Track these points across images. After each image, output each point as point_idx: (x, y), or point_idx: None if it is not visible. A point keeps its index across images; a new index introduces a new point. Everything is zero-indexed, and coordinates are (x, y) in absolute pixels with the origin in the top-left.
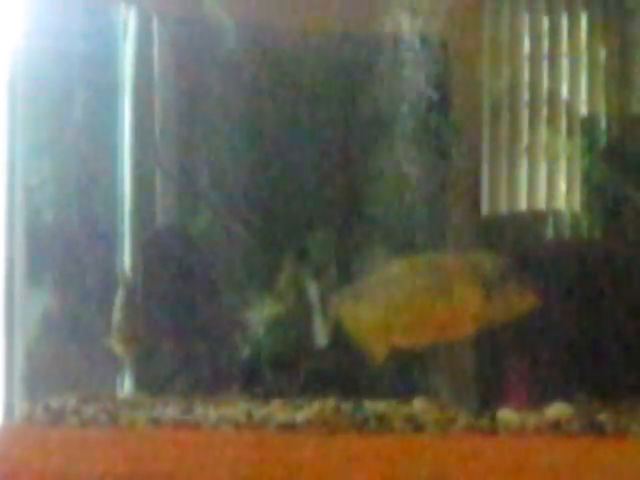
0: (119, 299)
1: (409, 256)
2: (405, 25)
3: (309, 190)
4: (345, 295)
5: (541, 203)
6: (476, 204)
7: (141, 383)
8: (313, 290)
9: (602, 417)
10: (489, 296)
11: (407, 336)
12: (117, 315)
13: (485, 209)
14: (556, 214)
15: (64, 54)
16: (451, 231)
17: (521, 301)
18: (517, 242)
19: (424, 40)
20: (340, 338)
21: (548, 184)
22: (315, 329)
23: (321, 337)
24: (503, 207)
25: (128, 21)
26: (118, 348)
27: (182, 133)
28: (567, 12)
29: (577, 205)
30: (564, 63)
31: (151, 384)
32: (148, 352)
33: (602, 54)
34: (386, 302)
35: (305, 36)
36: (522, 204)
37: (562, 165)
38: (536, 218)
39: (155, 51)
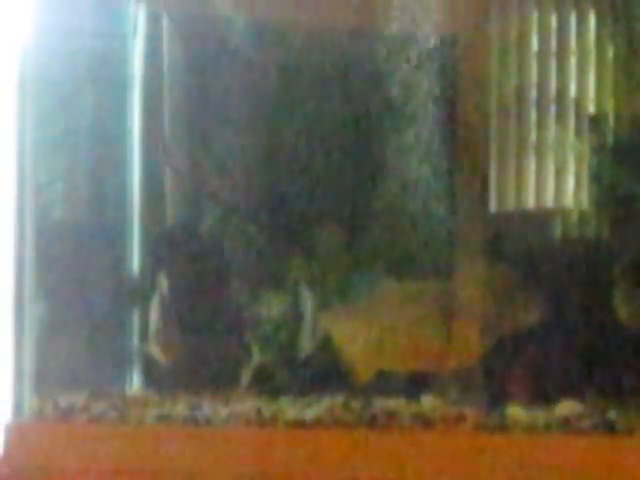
0: (155, 306)
1: (407, 282)
2: (415, 23)
3: (318, 189)
4: (339, 312)
5: (549, 201)
6: (484, 202)
7: (150, 380)
8: (308, 301)
9: (612, 415)
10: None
11: (397, 363)
12: (155, 322)
13: (493, 207)
14: (564, 212)
15: (74, 52)
16: (459, 229)
17: (528, 314)
18: (525, 240)
19: (433, 38)
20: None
21: (556, 182)
22: (301, 340)
23: (305, 348)
24: (511, 205)
25: (137, 19)
26: (159, 354)
27: (191, 131)
28: (576, 10)
29: (586, 203)
30: (572, 61)
31: (161, 381)
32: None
33: (610, 52)
34: (379, 327)
35: (314, 34)
36: (530, 202)
37: (570, 163)
38: (544, 216)
39: (164, 49)
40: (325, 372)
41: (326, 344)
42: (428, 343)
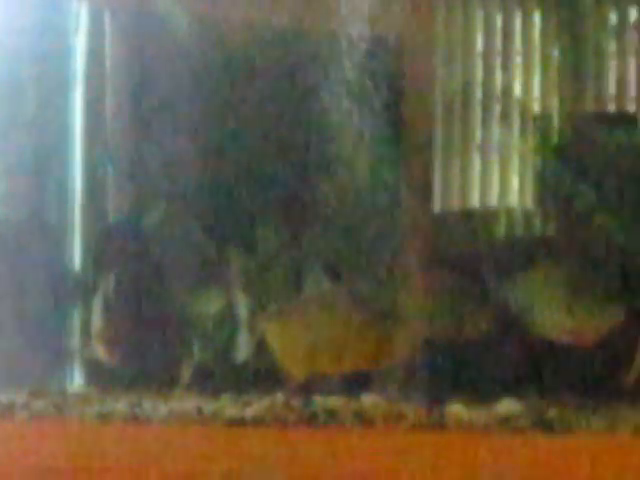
0: (97, 306)
1: (342, 284)
2: (359, 23)
3: (260, 185)
4: (273, 314)
5: (493, 200)
6: (428, 201)
7: (91, 378)
8: (242, 304)
9: (551, 414)
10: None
11: (330, 365)
12: (97, 322)
13: (437, 206)
14: (508, 211)
15: (16, 49)
16: (403, 228)
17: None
18: (469, 238)
19: (377, 38)
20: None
21: (501, 181)
22: (237, 343)
23: (241, 352)
24: (455, 204)
25: (80, 15)
26: (101, 352)
27: (134, 127)
28: (520, 10)
29: (529, 201)
30: (517, 61)
31: (101, 379)
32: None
33: (555, 52)
34: (313, 328)
35: (256, 31)
36: (474, 201)
37: (515, 162)
38: (488, 215)
39: (107, 45)
40: (263, 371)
41: (262, 344)
42: (361, 344)
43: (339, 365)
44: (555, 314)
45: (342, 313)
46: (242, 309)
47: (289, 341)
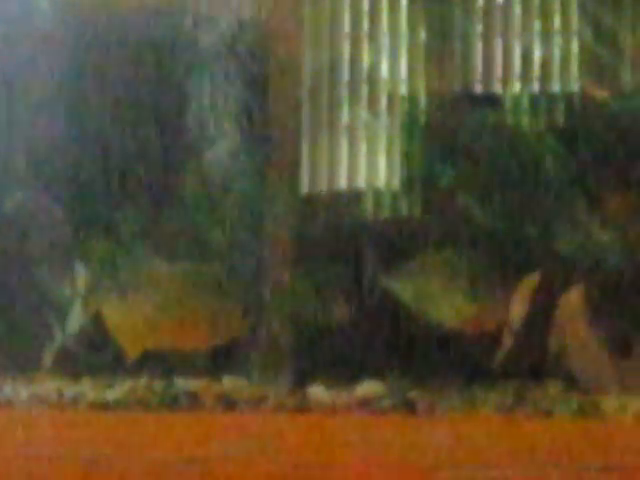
0: None
1: (177, 263)
2: (222, 5)
3: (121, 169)
4: (109, 289)
5: (361, 182)
6: (296, 183)
7: None
8: (81, 278)
9: (413, 395)
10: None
11: (163, 340)
12: None
13: (305, 188)
14: (376, 192)
15: None
16: (271, 211)
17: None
18: (336, 220)
19: (240, 20)
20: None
21: (368, 163)
22: (71, 316)
23: (71, 325)
24: (323, 186)
25: None
26: None
27: None
28: None
29: (397, 184)
30: (384, 43)
31: None
32: None
33: (422, 34)
34: (147, 304)
35: (119, 12)
36: (342, 183)
37: (382, 144)
38: (356, 196)
39: None
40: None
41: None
42: (194, 321)
43: (171, 342)
44: (454, 301)
45: (177, 291)
46: (80, 282)
47: (124, 317)
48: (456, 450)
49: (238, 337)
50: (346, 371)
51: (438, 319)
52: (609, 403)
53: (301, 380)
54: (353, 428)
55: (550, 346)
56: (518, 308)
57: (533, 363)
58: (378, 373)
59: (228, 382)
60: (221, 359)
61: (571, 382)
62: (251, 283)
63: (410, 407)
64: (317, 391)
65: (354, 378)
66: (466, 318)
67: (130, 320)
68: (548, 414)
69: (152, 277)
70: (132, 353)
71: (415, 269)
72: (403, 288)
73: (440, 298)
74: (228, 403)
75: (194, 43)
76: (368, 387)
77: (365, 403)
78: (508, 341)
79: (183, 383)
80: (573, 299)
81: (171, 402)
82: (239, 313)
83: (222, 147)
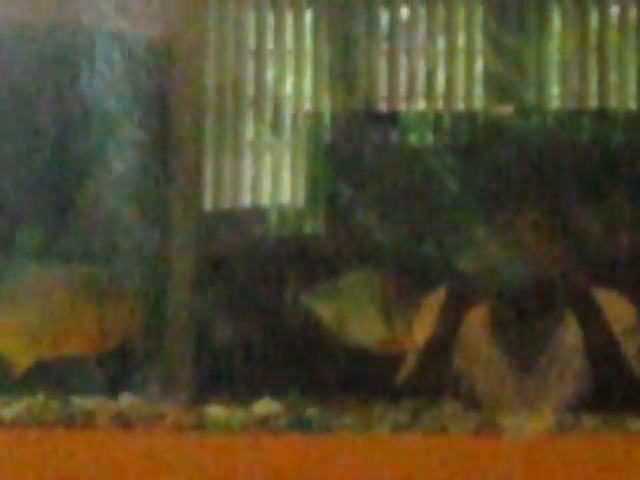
0: None
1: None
2: (122, 22)
3: (21, 186)
4: None
5: (265, 199)
6: (198, 201)
7: None
8: None
9: (310, 413)
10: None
11: (51, 350)
12: None
13: (208, 205)
14: (280, 209)
15: None
16: (172, 228)
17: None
18: (239, 237)
19: (144, 37)
20: None
21: (272, 180)
22: None
23: None
24: (227, 203)
25: None
26: None
27: None
28: (292, 10)
29: (301, 201)
30: (289, 60)
31: None
32: None
33: (327, 52)
34: (32, 313)
35: (12, 26)
36: (246, 200)
37: (286, 161)
38: (259, 214)
39: None
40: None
41: None
42: (80, 327)
43: (60, 349)
44: (369, 324)
45: (58, 297)
46: None
47: (6, 330)
48: (350, 469)
49: (134, 350)
50: (246, 389)
51: (355, 340)
52: (508, 421)
53: (199, 398)
54: (248, 448)
55: (455, 364)
56: (422, 326)
57: (436, 382)
58: (279, 392)
59: (124, 400)
60: (119, 377)
61: (473, 400)
62: (153, 299)
63: (306, 426)
64: (215, 410)
65: (253, 396)
66: (381, 338)
67: (12, 331)
68: (444, 432)
69: (36, 285)
70: (21, 364)
71: (333, 289)
72: (324, 309)
73: (356, 319)
74: (125, 422)
75: (99, 59)
76: (266, 405)
77: (262, 421)
78: (412, 359)
79: (79, 401)
80: (478, 317)
81: (67, 420)
82: (128, 314)
83: (123, 163)
